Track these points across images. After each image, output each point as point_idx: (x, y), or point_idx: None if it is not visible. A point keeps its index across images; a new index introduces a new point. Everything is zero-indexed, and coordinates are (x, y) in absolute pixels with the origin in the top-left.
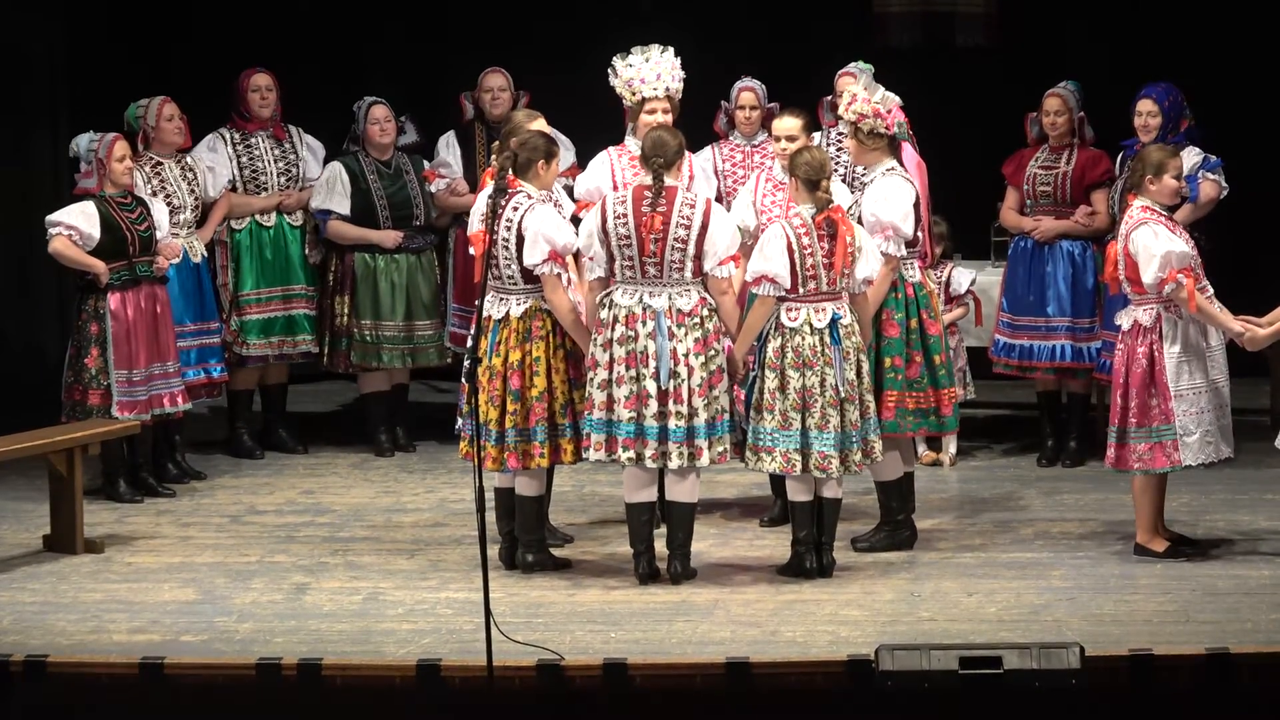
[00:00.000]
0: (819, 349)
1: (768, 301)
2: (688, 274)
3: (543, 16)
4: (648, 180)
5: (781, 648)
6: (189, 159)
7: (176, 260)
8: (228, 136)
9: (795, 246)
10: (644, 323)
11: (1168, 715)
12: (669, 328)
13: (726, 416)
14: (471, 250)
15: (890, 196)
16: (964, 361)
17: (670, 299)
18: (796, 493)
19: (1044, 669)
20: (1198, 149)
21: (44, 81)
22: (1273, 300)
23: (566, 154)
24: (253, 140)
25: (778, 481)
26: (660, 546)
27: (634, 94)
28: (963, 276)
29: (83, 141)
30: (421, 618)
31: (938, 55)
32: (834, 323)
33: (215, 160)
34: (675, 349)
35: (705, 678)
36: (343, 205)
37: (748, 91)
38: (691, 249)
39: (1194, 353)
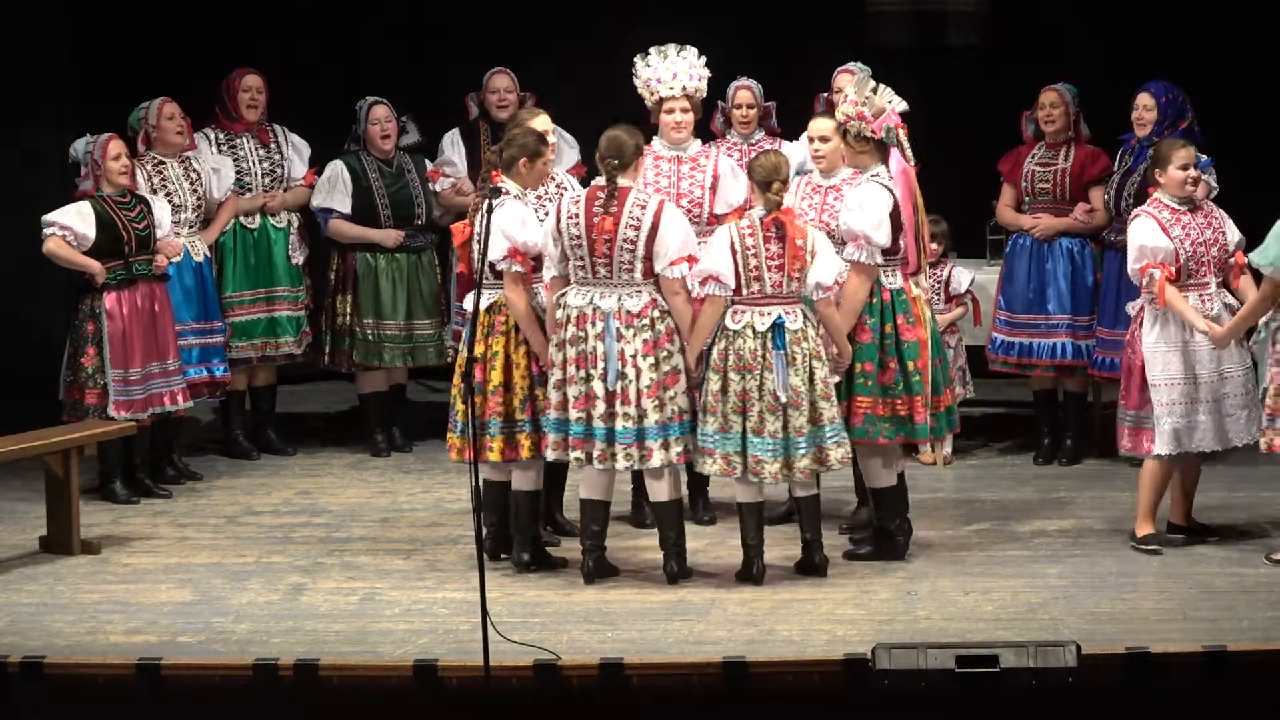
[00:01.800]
0: (759, 353)
1: (715, 302)
2: (637, 275)
3: (547, 16)
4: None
5: (778, 647)
6: (193, 159)
7: (177, 259)
8: (212, 137)
9: (739, 248)
10: (593, 324)
11: (1165, 713)
12: (617, 329)
13: (686, 417)
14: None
15: (865, 204)
16: (963, 360)
17: (620, 300)
18: (742, 495)
19: (1041, 667)
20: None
21: (53, 82)
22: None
23: (571, 152)
24: (237, 141)
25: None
26: (643, 549)
27: (652, 94)
28: (962, 276)
29: (79, 145)
30: (418, 618)
31: (930, 54)
32: (778, 327)
33: (220, 161)
34: (623, 350)
35: (702, 677)
36: (344, 204)
37: (744, 90)
38: (641, 250)
39: (1173, 345)
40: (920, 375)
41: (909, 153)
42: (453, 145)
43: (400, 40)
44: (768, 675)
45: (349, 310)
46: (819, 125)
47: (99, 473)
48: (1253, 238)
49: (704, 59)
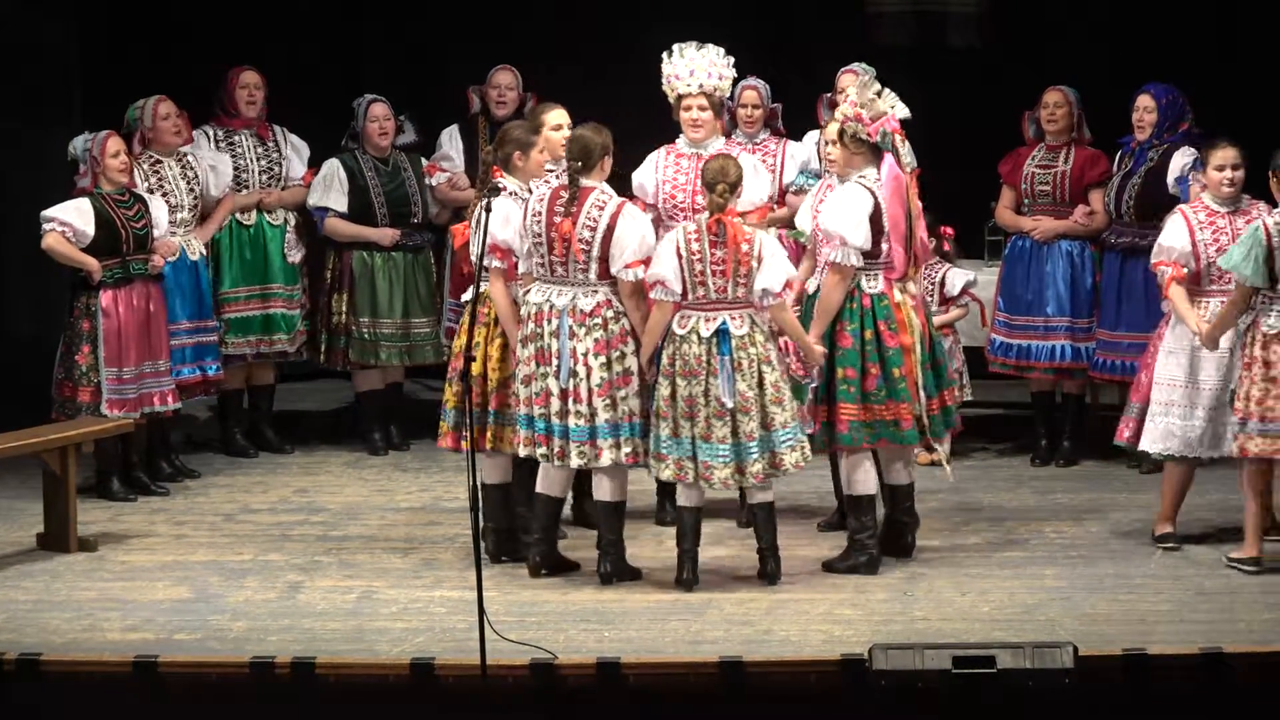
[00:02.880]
0: (704, 358)
1: (663, 306)
2: (592, 275)
3: (550, 15)
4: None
5: (775, 647)
6: (189, 157)
7: (173, 258)
8: (211, 134)
9: (684, 252)
10: (549, 321)
11: (1161, 715)
12: (570, 327)
13: (637, 419)
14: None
15: (844, 206)
16: (960, 363)
17: (574, 299)
18: (682, 498)
19: (1037, 668)
20: (1192, 149)
21: (57, 80)
22: None
23: None
24: (236, 138)
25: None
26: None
27: (672, 90)
28: (957, 278)
29: (78, 143)
30: (415, 616)
31: (931, 55)
32: (723, 333)
33: (217, 158)
34: (575, 348)
35: (699, 677)
36: (340, 202)
37: (750, 90)
38: (596, 251)
39: (1182, 347)
40: (905, 382)
41: (905, 159)
42: (451, 140)
43: (400, 40)
44: (764, 675)
45: (345, 309)
46: (833, 129)
47: (96, 470)
48: None
49: (730, 59)
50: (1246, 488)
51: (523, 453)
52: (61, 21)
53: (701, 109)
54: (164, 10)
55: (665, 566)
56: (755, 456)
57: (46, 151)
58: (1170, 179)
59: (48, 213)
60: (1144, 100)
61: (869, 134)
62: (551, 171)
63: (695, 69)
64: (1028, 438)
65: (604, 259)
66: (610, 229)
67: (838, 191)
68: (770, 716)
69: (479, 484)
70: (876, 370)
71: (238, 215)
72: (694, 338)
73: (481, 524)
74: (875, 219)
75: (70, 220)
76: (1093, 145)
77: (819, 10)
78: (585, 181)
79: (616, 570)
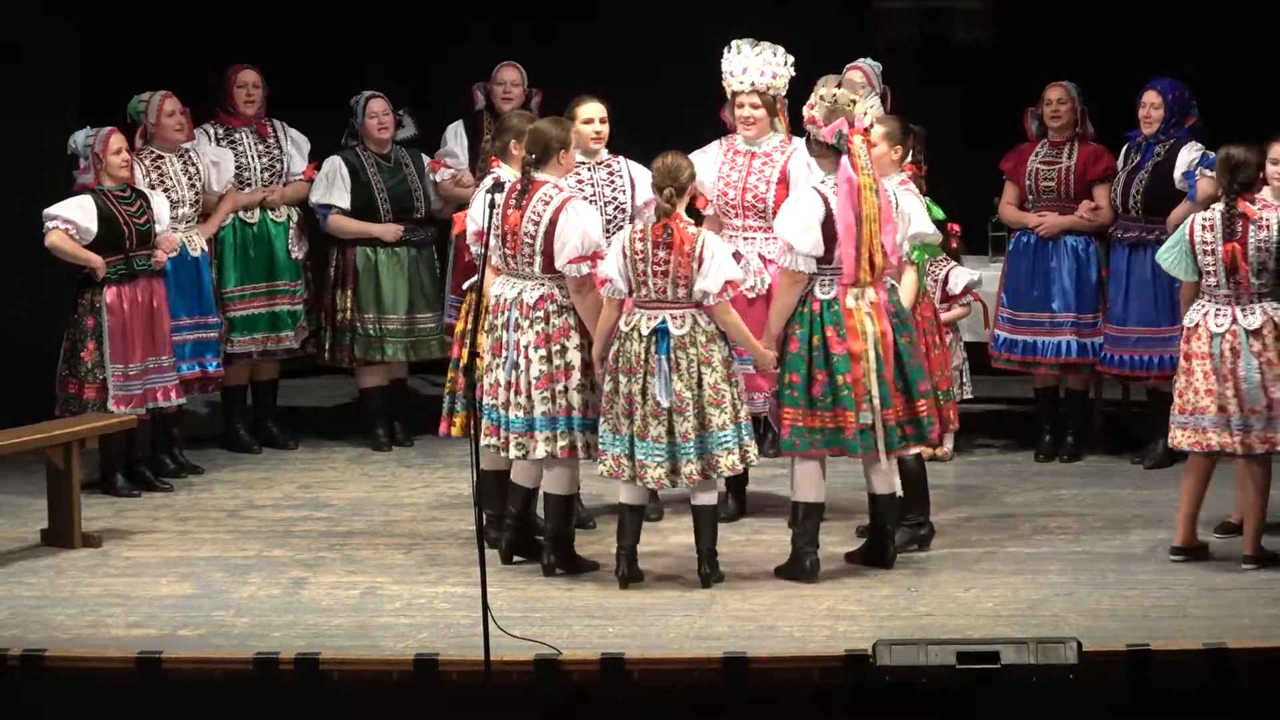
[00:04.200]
0: (643, 356)
1: (611, 303)
2: (537, 268)
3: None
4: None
5: (779, 643)
6: (191, 153)
7: (174, 254)
8: (211, 132)
9: (629, 252)
10: (503, 313)
11: (1165, 710)
12: (515, 319)
13: (575, 413)
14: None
15: (793, 211)
16: (961, 360)
17: (521, 291)
18: (624, 496)
19: (1041, 664)
20: (1199, 144)
21: (56, 77)
22: None
23: None
24: (237, 136)
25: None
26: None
27: (727, 86)
28: (960, 277)
29: (79, 138)
30: (419, 612)
31: (936, 51)
32: (662, 332)
33: (219, 154)
34: (519, 340)
35: (702, 673)
36: (343, 199)
37: (855, 72)
38: (539, 244)
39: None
40: (851, 389)
41: (862, 163)
42: (455, 137)
43: (400, 35)
44: (768, 671)
45: (350, 305)
46: (873, 130)
47: (100, 466)
48: None
49: (789, 58)
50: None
51: (483, 442)
52: (60, 18)
53: (754, 107)
54: (164, 7)
55: (668, 562)
56: (690, 457)
57: (43, 147)
58: (1177, 174)
59: (50, 210)
60: (1150, 96)
61: (823, 137)
62: (583, 164)
63: (748, 66)
64: (1031, 433)
65: (548, 253)
66: (552, 223)
67: (790, 196)
68: (774, 712)
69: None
70: (823, 376)
71: (241, 214)
72: (635, 336)
73: (488, 519)
74: (827, 224)
75: (74, 218)
76: (1096, 140)
77: (824, 6)
78: (538, 175)
79: (559, 562)
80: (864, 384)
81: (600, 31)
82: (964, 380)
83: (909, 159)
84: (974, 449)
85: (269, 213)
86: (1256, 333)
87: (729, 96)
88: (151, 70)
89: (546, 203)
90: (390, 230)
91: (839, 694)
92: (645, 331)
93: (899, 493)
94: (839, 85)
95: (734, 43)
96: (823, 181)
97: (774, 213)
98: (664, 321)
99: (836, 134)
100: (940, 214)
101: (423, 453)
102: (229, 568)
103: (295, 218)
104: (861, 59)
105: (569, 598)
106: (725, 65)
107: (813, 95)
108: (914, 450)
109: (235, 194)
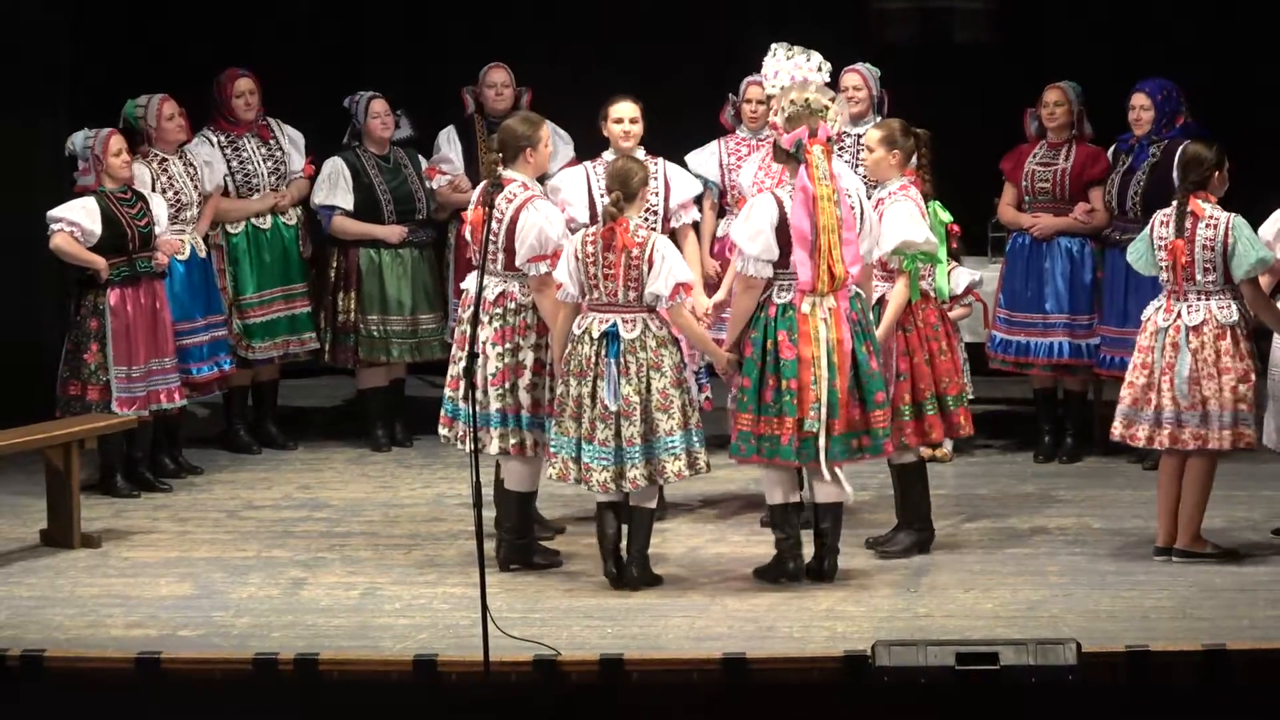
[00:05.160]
0: (593, 359)
1: (566, 307)
2: (499, 265)
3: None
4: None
5: (778, 643)
6: (190, 154)
7: (181, 256)
8: (214, 139)
9: (580, 255)
10: (469, 308)
11: (1164, 711)
12: (479, 315)
13: (524, 411)
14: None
15: (748, 215)
16: (962, 361)
17: (486, 288)
18: (601, 495)
19: (1040, 665)
20: None
21: (47, 76)
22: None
23: (566, 148)
24: (240, 142)
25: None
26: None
27: (765, 89)
28: (961, 277)
29: (78, 139)
30: (418, 613)
31: (936, 51)
32: (612, 335)
33: (212, 155)
34: (479, 335)
35: (702, 673)
36: (346, 200)
37: (755, 86)
38: (501, 241)
39: None
40: (795, 395)
41: (820, 173)
42: (449, 142)
43: (396, 34)
44: (768, 672)
45: (352, 307)
46: (868, 135)
47: (99, 466)
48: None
49: (824, 64)
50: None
51: (440, 431)
52: (51, 17)
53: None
54: (159, 6)
55: (666, 562)
56: (635, 462)
57: (36, 148)
58: (1175, 174)
59: (54, 212)
60: (1139, 99)
61: (784, 144)
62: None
63: (780, 70)
64: (1031, 434)
65: (509, 250)
66: (513, 221)
67: (748, 201)
68: (773, 713)
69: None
70: (774, 382)
71: (253, 219)
72: (587, 339)
73: (491, 527)
74: (781, 230)
75: (78, 220)
76: (1094, 142)
77: (821, 6)
78: (506, 172)
79: (512, 557)
80: (813, 391)
81: (596, 32)
82: (965, 380)
83: (913, 164)
84: (973, 450)
85: (280, 217)
86: (1196, 329)
87: (764, 99)
88: (147, 72)
89: (510, 200)
90: (394, 232)
91: (838, 695)
92: (596, 334)
93: (848, 501)
94: (815, 89)
95: (773, 45)
96: (781, 185)
97: None
98: (614, 325)
99: (796, 143)
100: (948, 217)
101: (422, 453)
102: (228, 568)
103: (301, 217)
104: (860, 63)
105: (568, 598)
106: (764, 68)
107: (779, 100)
108: (865, 460)
109: (219, 198)
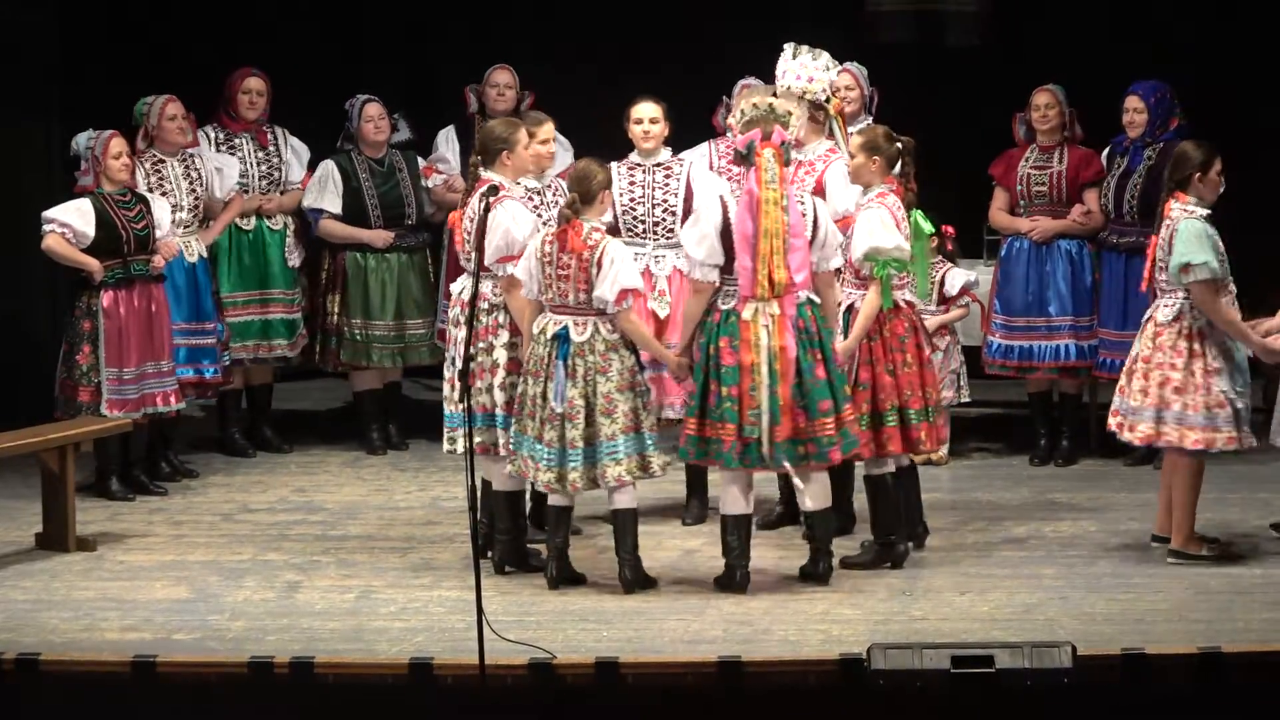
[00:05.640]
0: (546, 360)
1: (532, 305)
2: (473, 265)
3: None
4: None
5: (773, 646)
6: (195, 158)
7: (173, 259)
8: (211, 135)
9: (539, 255)
10: (453, 308)
11: (1160, 714)
12: (456, 315)
13: (499, 410)
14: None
15: (693, 219)
16: (958, 364)
17: (464, 289)
18: (552, 499)
19: (1036, 668)
20: None
21: (37, 77)
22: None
23: (565, 155)
24: (236, 141)
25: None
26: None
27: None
28: (956, 278)
29: (81, 140)
30: (414, 616)
31: (929, 54)
32: (562, 337)
33: (224, 160)
34: (456, 336)
35: (697, 676)
36: (334, 204)
37: (749, 87)
38: (474, 241)
39: None
40: (735, 402)
41: (768, 177)
42: (447, 142)
43: (396, 38)
44: (763, 675)
45: (337, 309)
46: (851, 141)
47: (95, 470)
48: (1249, 237)
49: (831, 64)
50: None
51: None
52: (43, 17)
53: None
54: (157, 6)
55: (662, 566)
56: (575, 465)
57: (25, 149)
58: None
59: (48, 213)
60: (1132, 101)
61: (737, 145)
62: (639, 165)
63: (787, 70)
64: (1026, 437)
65: (480, 250)
66: (482, 222)
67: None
68: (769, 716)
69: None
70: (715, 387)
71: (237, 220)
72: (542, 339)
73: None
74: (725, 234)
75: (70, 221)
76: (1084, 144)
77: (815, 9)
78: (485, 174)
79: (507, 558)
80: (753, 398)
81: (596, 33)
82: (961, 384)
83: (896, 171)
84: (969, 453)
85: (265, 221)
86: (1165, 326)
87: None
88: (144, 73)
89: (482, 200)
90: (380, 236)
91: (834, 698)
92: (549, 335)
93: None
94: (776, 95)
95: (786, 46)
96: (732, 191)
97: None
98: (566, 327)
99: (747, 145)
100: (930, 228)
101: (417, 456)
102: (224, 571)
103: (292, 226)
104: (849, 63)
105: (563, 601)
106: (777, 69)
107: (739, 103)
108: (814, 467)
109: (241, 199)
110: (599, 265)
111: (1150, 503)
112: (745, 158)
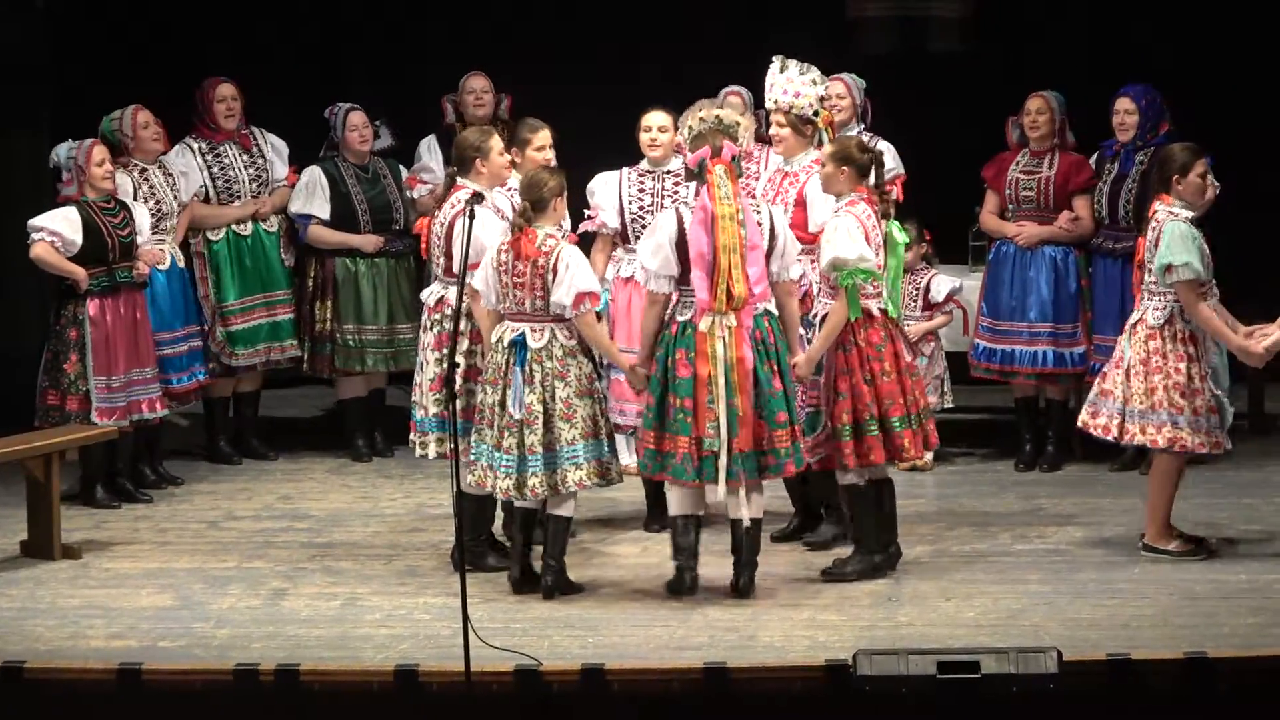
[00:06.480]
0: (504, 368)
1: (492, 314)
2: (440, 271)
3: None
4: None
5: (759, 653)
6: (167, 164)
7: (162, 266)
8: (195, 147)
9: (496, 263)
10: (424, 315)
11: (1145, 719)
12: (424, 321)
13: (460, 416)
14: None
15: (649, 230)
16: (942, 369)
17: (431, 294)
18: (517, 500)
19: (1022, 673)
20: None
21: (24, 85)
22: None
23: None
24: (221, 149)
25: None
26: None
27: (744, 100)
28: (942, 284)
29: (62, 150)
30: (399, 623)
31: (914, 60)
32: (519, 344)
33: (188, 165)
34: (424, 341)
35: (683, 683)
36: (323, 209)
37: (734, 96)
38: (442, 247)
39: None
40: (689, 415)
41: (721, 192)
42: (430, 151)
43: (377, 42)
44: (749, 681)
45: (329, 316)
46: (823, 150)
47: (80, 477)
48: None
49: (819, 79)
50: None
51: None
52: (31, 27)
53: (779, 125)
54: (139, 12)
55: (648, 573)
56: (534, 471)
57: (12, 157)
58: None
59: (35, 221)
60: (1123, 103)
61: (688, 163)
62: (650, 172)
63: (774, 84)
64: (1012, 443)
65: (448, 256)
66: (449, 228)
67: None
68: None
69: (462, 493)
70: (673, 399)
71: (234, 226)
72: (499, 347)
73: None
74: (681, 246)
75: (59, 229)
76: (1076, 150)
77: (800, 16)
78: (459, 181)
79: (478, 565)
80: (710, 410)
81: (577, 38)
82: (945, 390)
83: (868, 182)
84: (954, 458)
85: (260, 224)
86: (1134, 327)
87: (742, 110)
88: (127, 78)
89: (453, 207)
90: (370, 241)
91: (819, 704)
92: (507, 343)
93: (746, 520)
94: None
95: (774, 59)
96: (687, 203)
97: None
98: (522, 333)
99: (699, 162)
100: (905, 238)
101: (403, 463)
102: (209, 579)
103: (283, 225)
104: (844, 73)
105: (549, 608)
106: (766, 83)
107: (687, 118)
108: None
109: (195, 207)
110: (554, 271)
111: (1136, 508)
112: (697, 175)
